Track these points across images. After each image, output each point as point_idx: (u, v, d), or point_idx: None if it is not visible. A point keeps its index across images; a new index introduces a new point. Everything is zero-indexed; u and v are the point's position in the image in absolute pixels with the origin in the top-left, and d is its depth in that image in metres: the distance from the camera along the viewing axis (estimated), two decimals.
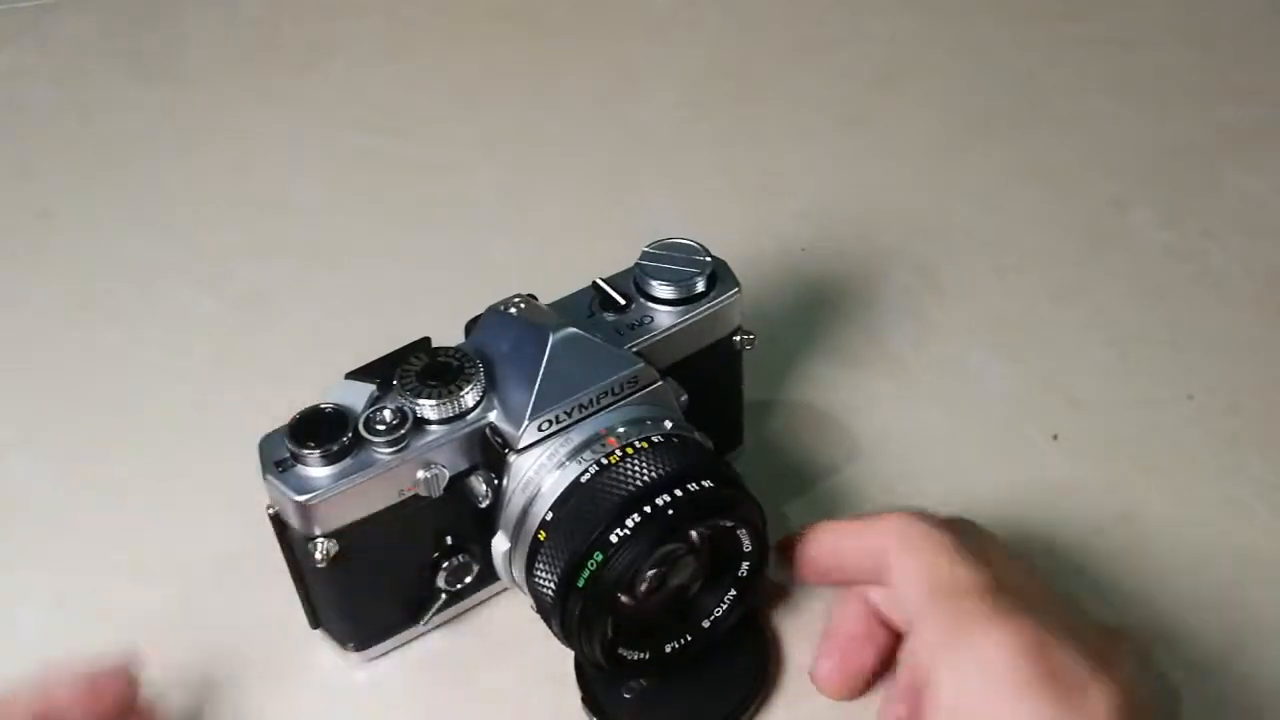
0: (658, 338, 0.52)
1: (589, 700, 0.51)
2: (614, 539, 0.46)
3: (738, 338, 0.56)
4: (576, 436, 0.49)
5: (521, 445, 0.48)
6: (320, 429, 0.47)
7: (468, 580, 0.53)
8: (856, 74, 0.90)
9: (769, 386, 0.66)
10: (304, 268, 0.76)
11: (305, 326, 0.71)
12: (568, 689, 0.52)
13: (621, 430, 0.49)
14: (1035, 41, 0.93)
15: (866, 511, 0.59)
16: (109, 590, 0.58)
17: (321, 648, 0.54)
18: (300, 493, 0.47)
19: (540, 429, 0.48)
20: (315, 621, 0.53)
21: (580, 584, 0.46)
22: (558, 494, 0.48)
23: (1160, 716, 0.45)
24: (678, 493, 0.46)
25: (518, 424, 0.48)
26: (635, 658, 0.49)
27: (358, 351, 0.51)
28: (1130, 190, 0.79)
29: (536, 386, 0.48)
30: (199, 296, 0.74)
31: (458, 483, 0.49)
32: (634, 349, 0.51)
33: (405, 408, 0.48)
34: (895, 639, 0.49)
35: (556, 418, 0.49)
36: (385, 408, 0.48)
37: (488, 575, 0.52)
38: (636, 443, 0.48)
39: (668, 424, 0.50)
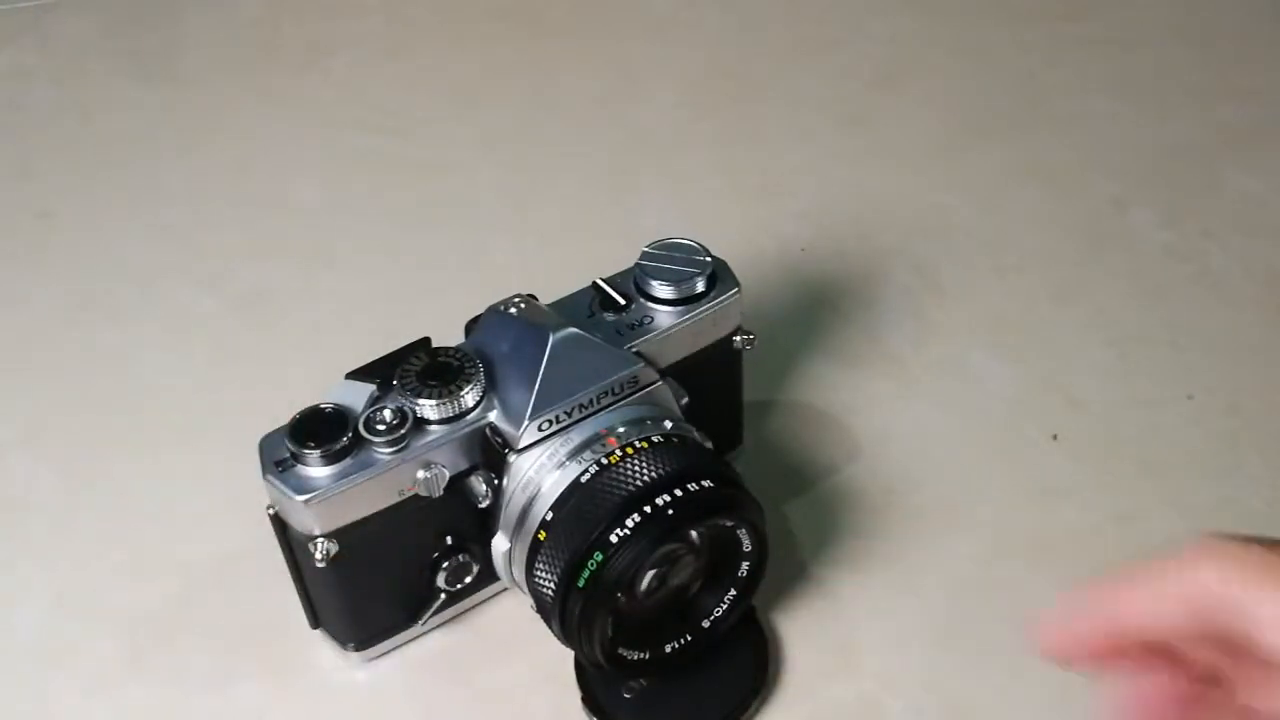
0: (658, 338, 0.52)
1: (589, 700, 0.51)
2: (614, 539, 0.46)
3: (738, 338, 0.56)
4: (576, 436, 0.49)
5: (521, 445, 0.48)
6: (320, 429, 0.47)
7: (468, 580, 0.53)
8: (856, 74, 0.90)
9: (769, 386, 0.66)
10: (304, 268, 0.76)
11: (305, 326, 0.71)
12: (568, 689, 0.52)
13: (621, 430, 0.49)
14: (1035, 41, 0.92)
15: (866, 511, 0.59)
16: (109, 590, 0.58)
17: (321, 648, 0.54)
18: (300, 492, 0.47)
19: (540, 429, 0.48)
20: (315, 621, 0.53)
21: (580, 584, 0.46)
22: (558, 494, 0.48)
23: None
24: (678, 492, 0.46)
25: (518, 424, 0.48)
26: (635, 658, 0.49)
27: (358, 351, 0.51)
28: (1130, 190, 0.79)
29: (536, 386, 0.48)
30: (199, 296, 0.74)
31: (458, 483, 0.49)
32: (634, 349, 0.51)
33: (405, 408, 0.48)
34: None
35: (556, 418, 0.49)
36: (385, 408, 0.48)
37: (488, 575, 0.52)
38: (636, 442, 0.48)
39: (668, 424, 0.50)
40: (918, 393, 0.66)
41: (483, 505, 0.49)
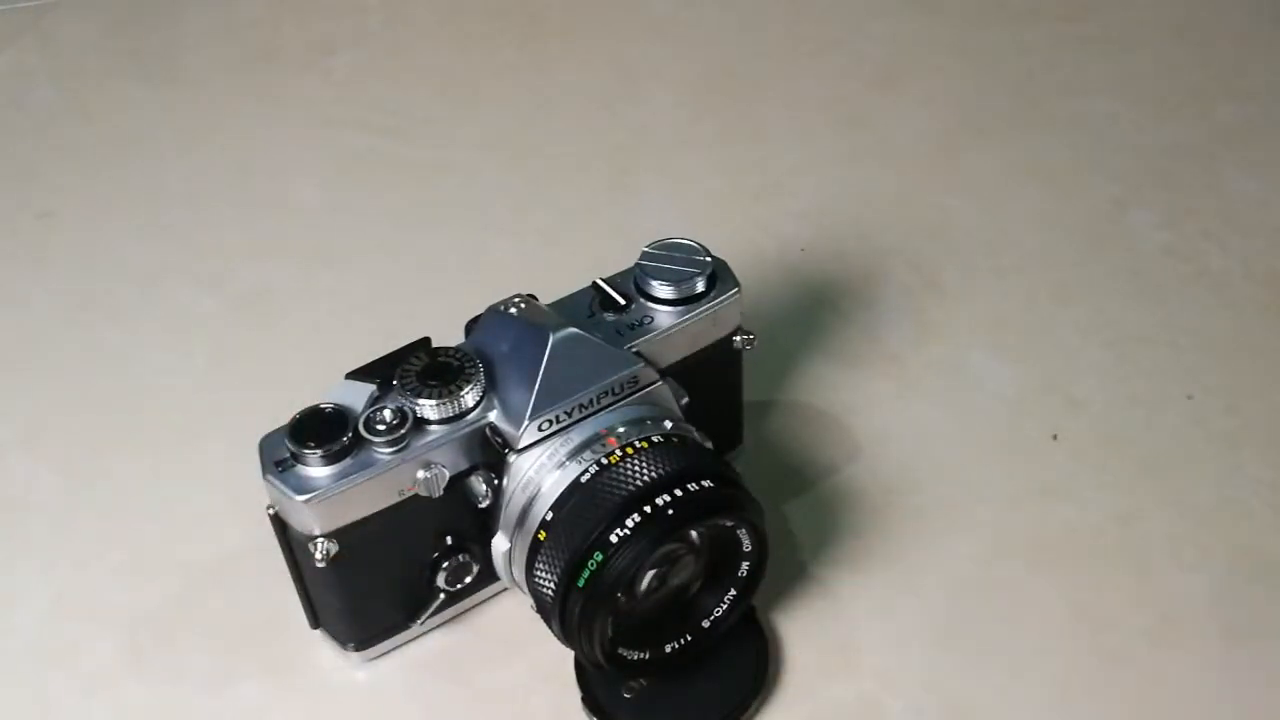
0: (658, 338, 0.52)
1: (589, 700, 0.51)
2: (614, 539, 0.46)
3: (738, 338, 0.56)
4: (576, 436, 0.49)
5: (521, 445, 0.48)
6: (320, 429, 0.47)
7: (468, 580, 0.53)
8: (856, 74, 0.90)
9: (769, 386, 0.66)
10: (304, 268, 0.76)
11: (305, 326, 0.71)
12: (568, 689, 0.52)
13: (621, 430, 0.49)
14: (1035, 41, 0.92)
15: (866, 511, 0.59)
16: (109, 590, 0.58)
17: (321, 648, 0.54)
18: (300, 492, 0.47)
19: (540, 429, 0.48)
20: (315, 621, 0.53)
21: (580, 584, 0.46)
22: (558, 494, 0.48)
23: None
24: (678, 492, 0.46)
25: (518, 424, 0.48)
26: (635, 658, 0.49)
27: (358, 351, 0.51)
28: (1130, 190, 0.79)
29: (536, 386, 0.48)
30: (199, 296, 0.74)
31: (458, 483, 0.49)
32: (634, 349, 0.51)
33: (405, 408, 0.48)
34: None
35: (556, 418, 0.49)
36: (385, 408, 0.48)
37: (488, 575, 0.52)
38: (636, 442, 0.48)
39: (668, 424, 0.50)
40: (918, 393, 0.66)
41: (483, 505, 0.49)
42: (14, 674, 0.55)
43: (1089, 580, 0.57)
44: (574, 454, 0.48)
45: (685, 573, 0.50)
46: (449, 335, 0.52)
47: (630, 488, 0.47)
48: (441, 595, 0.53)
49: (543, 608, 0.48)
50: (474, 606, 0.56)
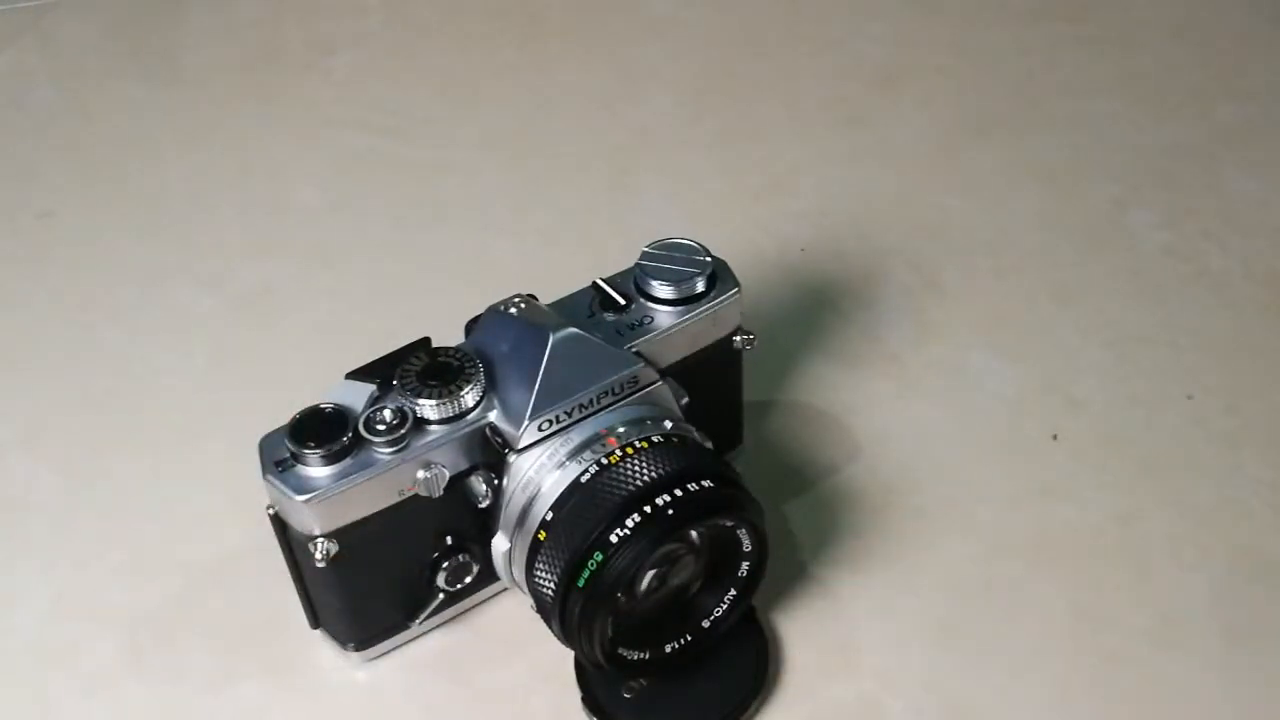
0: (658, 338, 0.52)
1: (589, 700, 0.51)
2: (614, 539, 0.46)
3: (738, 338, 0.56)
4: (576, 436, 0.49)
5: (521, 445, 0.48)
6: (320, 429, 0.47)
7: (467, 580, 0.53)
8: (856, 74, 0.90)
9: (769, 386, 0.66)
10: (304, 268, 0.76)
11: (305, 326, 0.71)
12: (568, 689, 0.52)
13: (621, 430, 0.49)
14: (1035, 42, 0.93)
15: (866, 511, 0.59)
16: (109, 590, 0.58)
17: (321, 648, 0.54)
18: (300, 492, 0.47)
19: (540, 429, 0.48)
20: (315, 621, 0.53)
21: (580, 584, 0.46)
22: (558, 494, 0.48)
23: None
24: (678, 492, 0.46)
25: (518, 424, 0.48)
26: (635, 658, 0.49)
27: (358, 351, 0.51)
28: (1130, 190, 0.79)
29: (536, 386, 0.48)
30: (199, 296, 0.74)
31: (458, 483, 0.49)
32: (634, 349, 0.51)
33: (405, 408, 0.48)
34: None
35: (556, 418, 0.49)
36: (385, 408, 0.48)
37: (488, 575, 0.52)
38: (636, 442, 0.48)
39: (668, 424, 0.50)
40: (918, 393, 0.66)
41: (483, 505, 0.49)
42: (14, 674, 0.55)
43: (1089, 580, 0.57)
44: (574, 454, 0.48)
45: (685, 573, 0.50)
46: (449, 335, 0.52)
47: (630, 488, 0.47)
48: (441, 595, 0.53)
49: (543, 608, 0.48)
50: (474, 606, 0.56)
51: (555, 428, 0.49)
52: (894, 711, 0.52)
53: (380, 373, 0.49)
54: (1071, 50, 0.92)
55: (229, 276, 0.75)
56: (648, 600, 0.49)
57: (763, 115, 0.87)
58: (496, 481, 0.49)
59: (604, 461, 0.48)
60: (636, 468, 0.47)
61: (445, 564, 0.52)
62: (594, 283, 0.54)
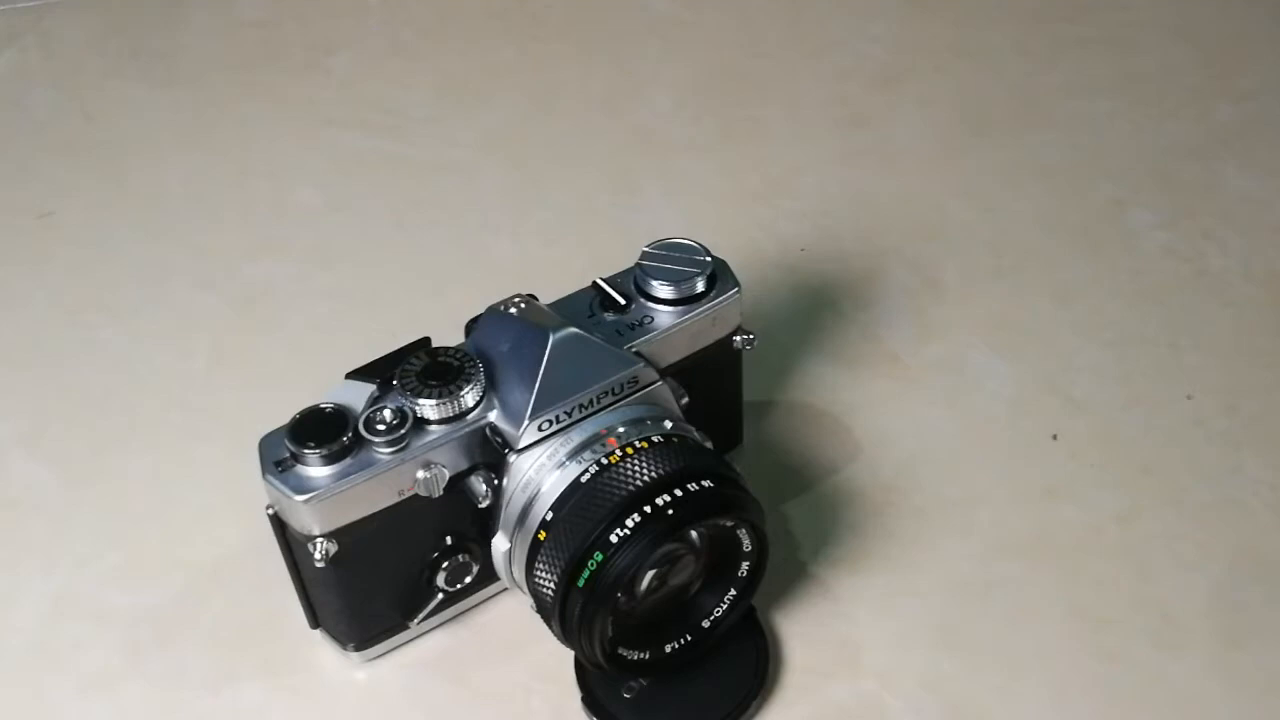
0: (658, 338, 0.52)
1: (589, 700, 0.51)
2: (614, 539, 0.46)
3: (738, 338, 0.56)
4: (576, 436, 0.49)
5: (522, 445, 0.48)
6: (320, 429, 0.47)
7: (467, 580, 0.53)
8: (856, 74, 0.90)
9: (769, 386, 0.66)
10: (304, 268, 0.76)
11: (305, 326, 0.71)
12: (568, 689, 0.52)
13: (621, 430, 0.49)
14: (1035, 42, 0.93)
15: (866, 511, 0.59)
16: (109, 590, 0.58)
17: (321, 648, 0.54)
18: (300, 492, 0.47)
19: (540, 429, 0.48)
20: (315, 621, 0.53)
21: (580, 584, 0.46)
22: (558, 494, 0.48)
23: None
24: (678, 492, 0.46)
25: (518, 424, 0.48)
26: (635, 658, 0.49)
27: (358, 351, 0.51)
28: (1130, 190, 0.79)
29: (537, 386, 0.48)
30: (200, 296, 0.74)
31: (458, 483, 0.49)
32: (634, 349, 0.51)
33: (405, 408, 0.48)
34: None
35: (557, 418, 0.49)
36: (385, 408, 0.48)
37: (487, 575, 0.52)
38: (636, 442, 0.48)
39: (667, 424, 0.50)
40: (918, 393, 0.66)
41: (483, 505, 0.49)
42: (14, 674, 0.55)
43: (1089, 580, 0.57)
44: (574, 454, 0.48)
45: (685, 573, 0.50)
46: (449, 335, 0.52)
47: (630, 488, 0.47)
48: (441, 595, 0.53)
49: (543, 608, 0.48)
50: (474, 607, 0.56)
51: (555, 428, 0.49)
52: (894, 711, 0.52)
53: (380, 373, 0.49)
54: (1071, 50, 0.92)
55: (229, 276, 0.75)
56: (648, 600, 0.49)
57: (763, 115, 0.87)
58: (496, 481, 0.49)
59: (604, 461, 0.48)
60: (636, 468, 0.47)
61: (445, 564, 0.52)
62: (594, 282, 0.54)
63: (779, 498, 0.60)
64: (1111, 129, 0.84)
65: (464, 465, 0.49)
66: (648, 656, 0.50)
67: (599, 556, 0.46)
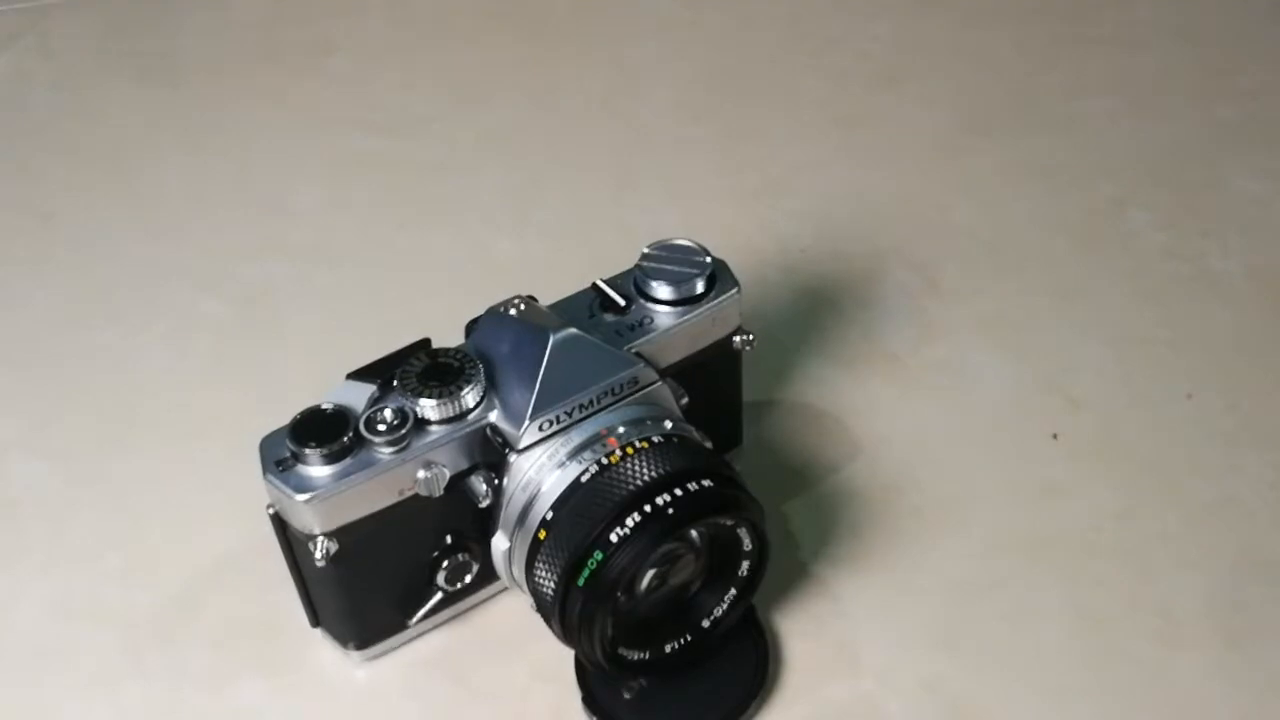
0: (657, 338, 0.52)
1: (589, 700, 0.51)
2: (614, 538, 0.46)
3: (737, 338, 0.56)
4: (577, 436, 0.49)
5: (522, 445, 0.48)
6: (321, 428, 0.47)
7: (468, 579, 0.53)
8: (856, 74, 0.90)
9: (769, 386, 0.66)
10: (304, 268, 0.76)
11: (306, 327, 0.71)
12: (568, 688, 0.52)
13: (621, 430, 0.49)
14: (1035, 42, 0.93)
15: (866, 511, 0.59)
16: (109, 590, 0.58)
17: (321, 647, 0.54)
18: (301, 492, 0.47)
19: (541, 429, 0.48)
20: (315, 620, 0.53)
21: (580, 583, 0.46)
22: (558, 493, 0.48)
23: None
24: (678, 492, 0.46)
25: (518, 424, 0.48)
26: (635, 657, 0.49)
27: (358, 352, 0.51)
28: (1130, 190, 0.79)
29: (537, 387, 0.48)
30: (200, 297, 0.74)
31: (458, 482, 0.49)
32: (634, 349, 0.51)
33: (406, 408, 0.48)
34: None
35: (557, 418, 0.49)
36: (386, 407, 0.48)
37: (488, 574, 0.52)
38: (636, 442, 0.48)
39: (667, 424, 0.50)
40: (918, 393, 0.66)
41: (483, 505, 0.49)
42: (14, 674, 0.55)
43: (1089, 580, 0.57)
44: (574, 454, 0.48)
45: (685, 572, 0.50)
46: (449, 336, 0.52)
47: (630, 487, 0.47)
48: (441, 594, 0.53)
49: (543, 607, 0.48)
50: (474, 606, 0.56)
51: (555, 428, 0.49)
52: (894, 711, 0.52)
53: (381, 373, 0.49)
54: (1071, 50, 0.92)
55: (229, 277, 0.75)
56: (648, 600, 0.49)
57: (762, 115, 0.87)
58: (497, 481, 0.49)
59: (604, 461, 0.48)
60: (636, 467, 0.47)
61: (445, 563, 0.52)
62: (594, 283, 0.54)
63: (779, 497, 0.60)
64: (1111, 129, 0.84)
65: (464, 465, 0.49)
66: (648, 656, 0.50)
67: (599, 555, 0.46)
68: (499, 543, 0.50)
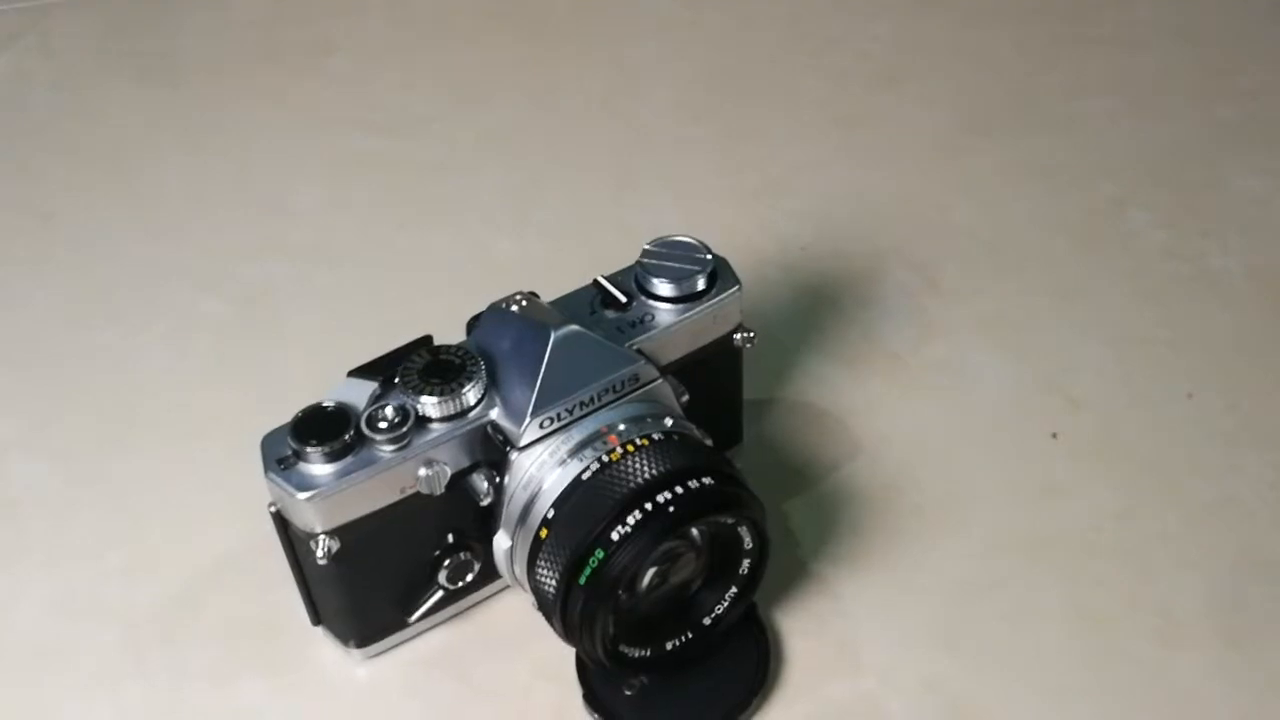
0: (658, 335, 0.52)
1: (590, 698, 0.51)
2: (615, 536, 0.46)
3: (738, 336, 0.56)
4: (578, 434, 0.49)
5: (523, 443, 0.48)
6: (322, 426, 0.47)
7: (469, 578, 0.53)
8: (856, 74, 0.90)
9: (769, 385, 0.66)
10: (304, 268, 0.76)
11: (306, 326, 0.71)
12: (569, 686, 0.52)
13: (622, 428, 0.49)
14: (1035, 41, 0.93)
15: (866, 510, 0.59)
16: (109, 590, 0.58)
17: (322, 645, 0.54)
18: (302, 490, 0.47)
19: (542, 426, 0.48)
20: (316, 619, 0.53)
21: (582, 581, 0.46)
22: (559, 491, 0.48)
23: None
24: (679, 490, 0.46)
25: (519, 421, 0.48)
26: (636, 655, 0.49)
27: (358, 351, 0.51)
28: (1130, 190, 0.79)
29: (538, 384, 0.48)
30: (200, 296, 0.74)
31: (459, 480, 0.49)
32: (635, 347, 0.51)
33: (407, 405, 0.48)
34: None
35: (558, 415, 0.49)
36: (387, 405, 0.48)
37: (489, 573, 0.52)
38: (637, 440, 0.48)
39: (668, 421, 0.50)
40: (918, 392, 0.66)
41: (484, 503, 0.49)
42: (14, 674, 0.55)
43: (1089, 580, 0.57)
44: (575, 451, 0.48)
45: (686, 570, 0.50)
46: (450, 334, 0.52)
47: (631, 485, 0.47)
48: (442, 592, 0.53)
49: (544, 605, 0.48)
50: (475, 604, 0.56)
51: (556, 425, 0.49)
52: (894, 710, 0.52)
53: (382, 371, 0.49)
54: (1071, 50, 0.92)
55: (229, 276, 0.75)
56: (649, 598, 0.49)
57: (762, 115, 0.87)
58: (498, 479, 0.49)
59: (605, 459, 0.48)
60: (637, 465, 0.47)
61: (446, 561, 0.52)
62: (595, 280, 0.54)
63: (779, 496, 0.60)
64: (1111, 129, 0.84)
65: (465, 463, 0.49)
66: (649, 654, 0.50)
67: (600, 554, 0.46)
68: (500, 541, 0.50)
